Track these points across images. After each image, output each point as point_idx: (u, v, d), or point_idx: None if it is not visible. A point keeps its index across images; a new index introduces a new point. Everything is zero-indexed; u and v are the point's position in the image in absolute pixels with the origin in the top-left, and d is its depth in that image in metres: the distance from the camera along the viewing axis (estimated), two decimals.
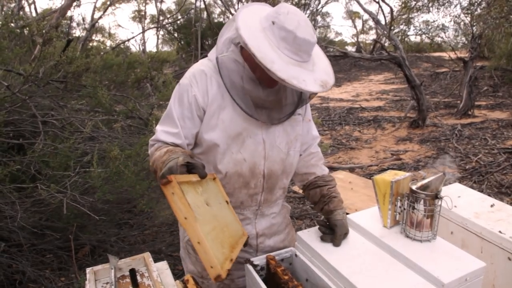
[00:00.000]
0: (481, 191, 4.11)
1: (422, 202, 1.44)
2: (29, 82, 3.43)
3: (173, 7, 22.09)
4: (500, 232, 1.63)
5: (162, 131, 1.41)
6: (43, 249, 2.84)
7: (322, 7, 20.63)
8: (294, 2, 15.24)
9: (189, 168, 1.17)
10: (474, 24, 9.04)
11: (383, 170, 5.49)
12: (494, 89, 10.93)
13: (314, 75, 1.30)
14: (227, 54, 1.39)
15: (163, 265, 1.34)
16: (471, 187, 3.44)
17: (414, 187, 1.47)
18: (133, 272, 1.22)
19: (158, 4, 18.83)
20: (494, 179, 4.74)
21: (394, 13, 7.96)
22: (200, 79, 1.40)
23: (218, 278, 1.03)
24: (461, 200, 1.91)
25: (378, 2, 7.83)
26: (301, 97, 1.51)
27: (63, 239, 2.71)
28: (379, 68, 18.73)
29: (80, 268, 2.78)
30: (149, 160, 1.46)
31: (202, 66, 1.43)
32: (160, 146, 1.35)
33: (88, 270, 1.25)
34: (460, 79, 10.58)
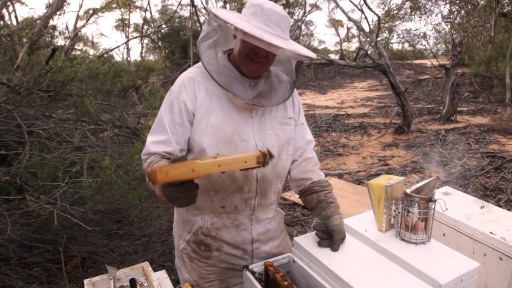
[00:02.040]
0: (467, 194, 4.19)
1: (416, 205, 1.47)
2: (13, 92, 3.37)
3: (157, 15, 22.05)
4: (491, 233, 1.67)
5: (152, 143, 1.41)
6: (31, 262, 2.77)
7: (306, 15, 20.89)
8: None
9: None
10: (454, 32, 9.29)
11: (372, 175, 5.56)
12: (474, 95, 11.21)
13: (285, 43, 1.32)
14: (214, 62, 1.44)
15: (163, 274, 1.32)
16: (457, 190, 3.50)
17: (408, 191, 1.49)
18: (133, 282, 1.20)
19: (143, 13, 18.79)
20: (479, 182, 4.85)
21: (377, 22, 8.11)
22: (189, 85, 1.43)
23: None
24: (452, 202, 1.95)
25: (361, 11, 7.99)
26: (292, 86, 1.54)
27: (52, 251, 2.65)
28: (363, 75, 19.01)
29: (70, 281, 2.72)
30: (142, 171, 1.46)
31: (190, 74, 1.47)
32: (152, 161, 1.34)
33: (86, 281, 1.23)
34: (442, 86, 10.83)
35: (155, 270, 1.38)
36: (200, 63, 1.47)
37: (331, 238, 1.51)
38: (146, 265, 1.32)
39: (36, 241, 2.56)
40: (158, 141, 1.40)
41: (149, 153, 1.40)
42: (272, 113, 1.52)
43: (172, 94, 1.44)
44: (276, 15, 1.31)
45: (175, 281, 2.57)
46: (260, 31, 1.26)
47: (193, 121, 1.42)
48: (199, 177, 1.02)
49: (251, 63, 1.38)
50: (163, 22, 19.17)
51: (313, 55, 1.39)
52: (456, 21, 9.36)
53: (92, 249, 2.88)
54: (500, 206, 3.97)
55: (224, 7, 14.67)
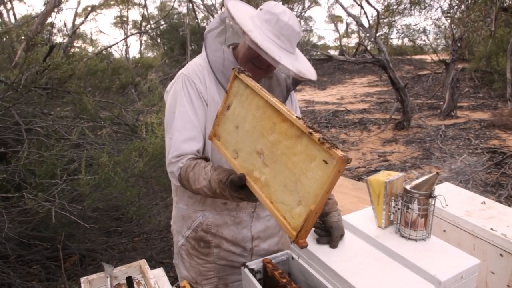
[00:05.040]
0: (467, 190, 4.19)
1: (416, 201, 1.45)
2: (11, 89, 3.35)
3: (155, 12, 21.98)
4: (491, 229, 1.65)
5: (183, 142, 1.35)
6: (30, 260, 2.76)
7: (305, 11, 20.82)
8: None
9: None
10: (454, 28, 9.25)
11: (371, 171, 5.55)
12: (475, 90, 11.18)
13: (292, 60, 1.31)
14: (219, 54, 1.42)
15: (160, 272, 1.31)
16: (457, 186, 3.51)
17: (408, 187, 1.48)
18: (130, 280, 1.19)
19: (141, 9, 18.72)
20: (479, 178, 4.84)
21: (376, 17, 8.09)
22: (200, 73, 1.41)
23: None
24: (452, 199, 1.93)
25: (361, 6, 7.95)
26: (288, 91, 1.54)
27: (51, 249, 2.65)
28: (362, 71, 18.96)
29: (68, 278, 2.71)
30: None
31: (198, 61, 1.45)
32: (189, 166, 1.30)
33: (82, 279, 1.22)
34: (442, 81, 10.80)
35: (154, 267, 1.37)
36: (204, 54, 1.45)
37: (329, 235, 1.50)
38: (143, 262, 1.30)
39: (34, 238, 2.56)
40: (188, 138, 1.35)
41: (181, 155, 1.34)
42: None
43: (186, 84, 1.39)
44: (290, 30, 1.30)
45: (174, 278, 2.57)
46: (271, 45, 1.25)
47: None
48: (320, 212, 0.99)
49: (252, 69, 1.36)
50: (161, 19, 19.11)
51: (314, 77, 1.38)
52: (456, 16, 9.31)
53: (91, 247, 2.88)
54: (500, 202, 3.96)
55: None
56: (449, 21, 9.75)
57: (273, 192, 1.05)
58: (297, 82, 1.54)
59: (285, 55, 1.28)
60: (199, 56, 1.48)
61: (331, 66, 19.63)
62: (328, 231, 1.51)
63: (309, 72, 1.37)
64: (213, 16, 13.53)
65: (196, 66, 1.42)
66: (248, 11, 1.40)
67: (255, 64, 1.37)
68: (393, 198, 1.55)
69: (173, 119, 1.38)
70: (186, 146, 1.34)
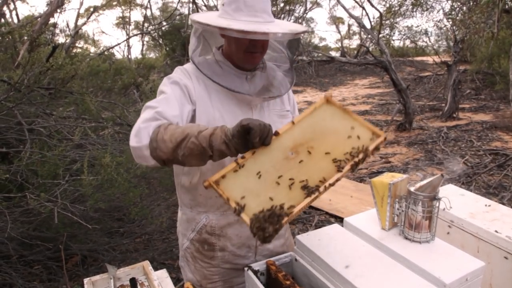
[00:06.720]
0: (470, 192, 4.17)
1: (420, 203, 1.45)
2: (14, 89, 3.35)
3: (157, 13, 21.97)
4: (496, 231, 1.64)
5: (163, 111, 1.24)
6: (32, 260, 2.76)
7: (306, 13, 20.79)
8: (278, 8, 15.38)
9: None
10: (456, 29, 9.24)
11: (373, 173, 5.54)
12: (476, 92, 11.16)
13: (276, 25, 1.33)
14: (209, 57, 1.44)
15: (163, 273, 1.31)
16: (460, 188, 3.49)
17: (412, 189, 1.47)
18: (133, 282, 1.19)
19: (144, 10, 18.74)
20: (482, 180, 4.82)
21: (379, 18, 8.08)
22: (187, 75, 1.41)
23: None
24: (456, 200, 1.93)
25: (362, 7, 7.94)
26: (291, 74, 1.54)
27: (53, 249, 2.65)
28: (364, 72, 18.93)
29: (70, 279, 2.71)
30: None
31: (186, 67, 1.45)
32: (170, 124, 1.20)
33: (85, 280, 1.22)
34: (443, 83, 10.78)
35: (156, 268, 1.37)
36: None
37: None
38: (146, 264, 1.30)
39: (36, 239, 2.56)
40: (170, 113, 1.25)
41: (162, 117, 1.22)
42: (270, 106, 1.51)
43: (172, 80, 1.36)
44: (258, 2, 1.31)
45: (176, 280, 2.57)
46: (253, 24, 1.26)
47: (195, 112, 1.38)
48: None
49: (251, 56, 1.38)
50: (163, 20, 19.10)
51: (305, 28, 1.43)
52: (458, 18, 9.30)
53: (93, 247, 2.88)
54: (503, 204, 3.95)
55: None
56: (450, 22, 9.75)
57: None
58: (294, 45, 1.54)
59: (272, 26, 1.31)
60: (190, 63, 1.48)
61: (332, 68, 19.60)
62: None
63: (298, 26, 1.41)
64: None
65: (185, 70, 1.43)
66: (213, 14, 1.42)
67: (250, 51, 1.36)
68: (397, 200, 1.55)
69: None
70: (167, 112, 1.24)
